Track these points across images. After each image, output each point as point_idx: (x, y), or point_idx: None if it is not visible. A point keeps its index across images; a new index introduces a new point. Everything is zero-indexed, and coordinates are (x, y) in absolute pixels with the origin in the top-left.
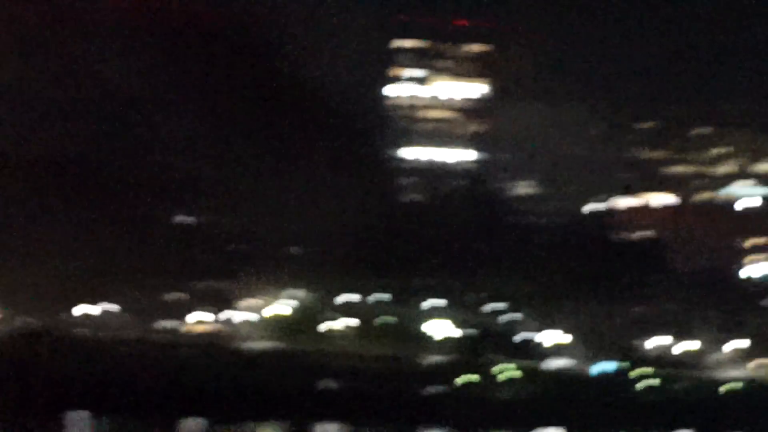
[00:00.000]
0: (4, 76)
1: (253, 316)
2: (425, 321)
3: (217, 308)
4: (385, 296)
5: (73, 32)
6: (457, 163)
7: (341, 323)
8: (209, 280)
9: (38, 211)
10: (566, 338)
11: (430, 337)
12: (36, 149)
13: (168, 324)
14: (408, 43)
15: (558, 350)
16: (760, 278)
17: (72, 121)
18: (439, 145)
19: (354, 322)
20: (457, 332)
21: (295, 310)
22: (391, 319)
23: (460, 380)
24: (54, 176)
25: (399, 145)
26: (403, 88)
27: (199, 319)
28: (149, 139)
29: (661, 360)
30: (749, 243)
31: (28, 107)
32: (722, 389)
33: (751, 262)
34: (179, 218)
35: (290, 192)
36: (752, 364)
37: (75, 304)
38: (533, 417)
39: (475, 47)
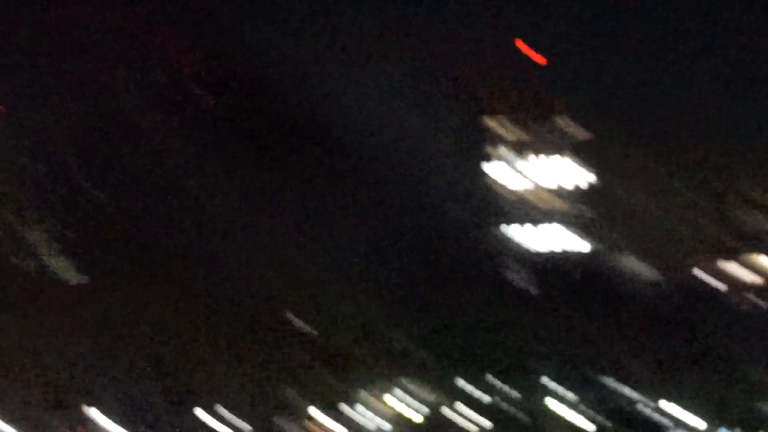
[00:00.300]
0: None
1: (370, 413)
2: (547, 406)
3: (333, 405)
4: (505, 386)
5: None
6: (563, 246)
7: (464, 415)
8: (323, 376)
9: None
10: (688, 411)
11: (555, 422)
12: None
13: (286, 423)
14: (510, 134)
15: (681, 424)
16: None
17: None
18: (544, 229)
19: (477, 414)
20: (583, 418)
21: (413, 405)
22: (514, 408)
23: None
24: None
25: (506, 231)
26: (506, 173)
27: (316, 417)
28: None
29: None
30: None
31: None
32: None
33: None
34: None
35: (393, 286)
36: None
37: (192, 409)
38: None
39: (576, 134)
